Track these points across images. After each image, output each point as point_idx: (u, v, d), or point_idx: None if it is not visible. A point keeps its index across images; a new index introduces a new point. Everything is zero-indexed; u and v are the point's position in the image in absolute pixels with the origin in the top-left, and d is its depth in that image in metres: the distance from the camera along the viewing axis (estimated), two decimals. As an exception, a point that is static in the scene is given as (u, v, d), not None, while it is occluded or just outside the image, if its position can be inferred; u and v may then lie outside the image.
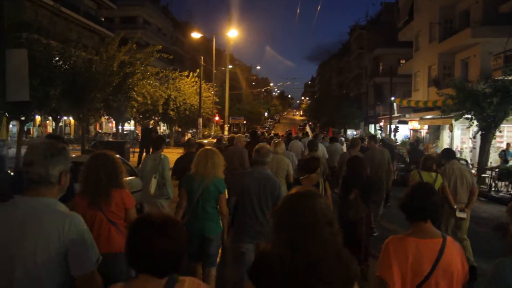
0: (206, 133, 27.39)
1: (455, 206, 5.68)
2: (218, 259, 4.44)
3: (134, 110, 21.37)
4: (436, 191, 2.64)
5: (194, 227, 4.04)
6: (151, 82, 19.85)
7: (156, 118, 28.16)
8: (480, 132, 14.68)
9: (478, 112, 13.82)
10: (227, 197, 4.47)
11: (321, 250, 1.66)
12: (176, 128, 36.20)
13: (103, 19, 39.58)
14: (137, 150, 17.19)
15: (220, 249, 4.51)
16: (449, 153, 6.30)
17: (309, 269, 1.64)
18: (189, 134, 27.55)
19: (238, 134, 8.31)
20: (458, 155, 21.35)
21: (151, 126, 17.37)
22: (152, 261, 1.57)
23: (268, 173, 4.37)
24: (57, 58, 15.17)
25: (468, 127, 15.66)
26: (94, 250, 2.00)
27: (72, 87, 14.15)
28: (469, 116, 14.69)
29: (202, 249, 4.11)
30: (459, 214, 5.68)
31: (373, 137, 11.02)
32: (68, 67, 14.51)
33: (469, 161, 14.87)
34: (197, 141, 9.14)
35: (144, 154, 15.26)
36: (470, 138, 18.00)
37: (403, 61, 35.97)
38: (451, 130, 18.74)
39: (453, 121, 19.89)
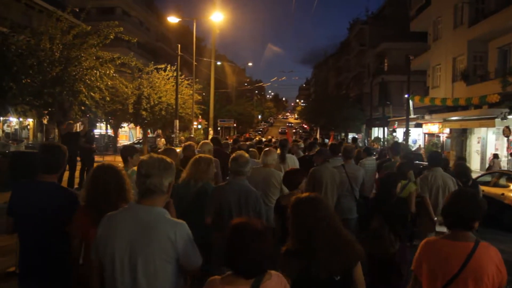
0: (182, 138, 22.77)
1: (435, 219, 5.08)
2: None
3: (97, 110, 16.89)
4: (481, 199, 2.46)
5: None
6: (109, 73, 15.31)
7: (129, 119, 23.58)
8: None
9: None
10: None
11: (320, 236, 2.33)
12: (159, 131, 31.62)
13: (77, 10, 35.24)
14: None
15: None
16: (433, 159, 5.68)
17: (314, 251, 2.31)
18: (163, 140, 22.95)
19: (189, 142, 6.66)
20: (493, 165, 17.04)
21: (78, 130, 12.43)
22: (246, 261, 1.93)
23: (248, 186, 4.06)
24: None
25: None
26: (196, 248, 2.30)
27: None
28: None
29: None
30: (439, 228, 4.83)
31: (396, 144, 9.39)
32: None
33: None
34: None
35: (68, 171, 10.34)
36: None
37: (412, 57, 31.88)
38: (508, 135, 14.27)
39: (496, 122, 15.65)
